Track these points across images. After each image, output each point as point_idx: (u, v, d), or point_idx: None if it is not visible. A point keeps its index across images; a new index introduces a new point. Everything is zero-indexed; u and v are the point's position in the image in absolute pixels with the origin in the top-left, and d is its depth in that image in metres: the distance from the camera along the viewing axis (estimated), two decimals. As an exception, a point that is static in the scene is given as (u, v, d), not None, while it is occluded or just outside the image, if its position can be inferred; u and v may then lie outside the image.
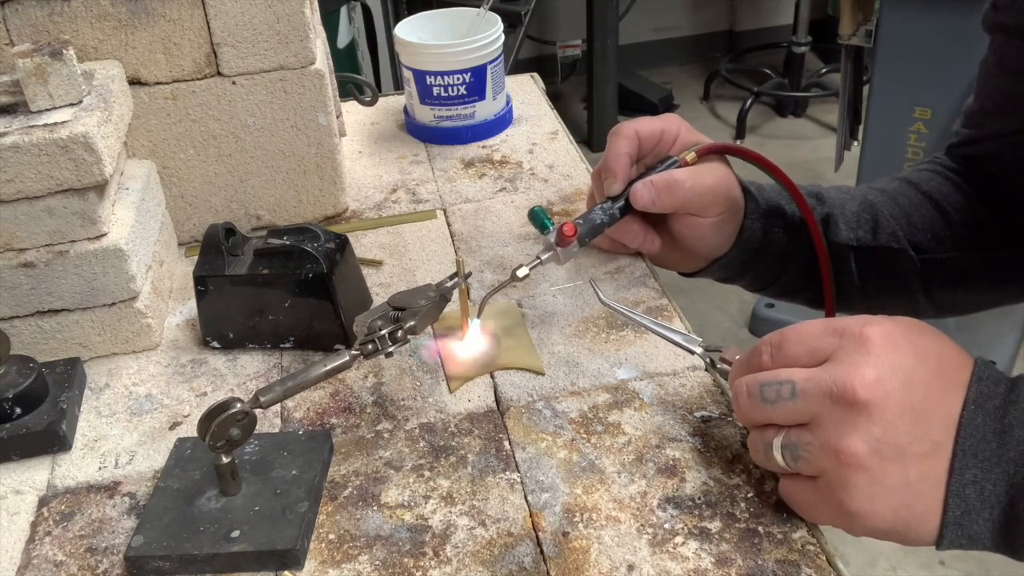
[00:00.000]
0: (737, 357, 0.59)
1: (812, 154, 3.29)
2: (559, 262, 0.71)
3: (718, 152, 0.75)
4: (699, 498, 0.57)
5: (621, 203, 0.73)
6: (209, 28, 0.79)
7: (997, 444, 0.50)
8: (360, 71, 2.52)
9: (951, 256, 0.78)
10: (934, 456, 0.50)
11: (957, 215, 0.79)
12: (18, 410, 0.64)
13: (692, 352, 0.63)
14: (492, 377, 0.69)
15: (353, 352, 0.60)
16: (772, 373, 0.53)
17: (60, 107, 0.68)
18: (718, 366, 0.61)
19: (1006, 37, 0.75)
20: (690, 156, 0.73)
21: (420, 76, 1.01)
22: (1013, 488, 0.49)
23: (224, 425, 0.55)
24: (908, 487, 0.50)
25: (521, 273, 0.68)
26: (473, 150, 1.02)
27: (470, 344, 0.71)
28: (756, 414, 0.54)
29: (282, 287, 0.70)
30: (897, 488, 0.50)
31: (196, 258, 0.72)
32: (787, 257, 0.79)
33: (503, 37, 1.03)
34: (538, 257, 0.69)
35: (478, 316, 0.70)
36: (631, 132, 0.74)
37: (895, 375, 0.50)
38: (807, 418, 0.51)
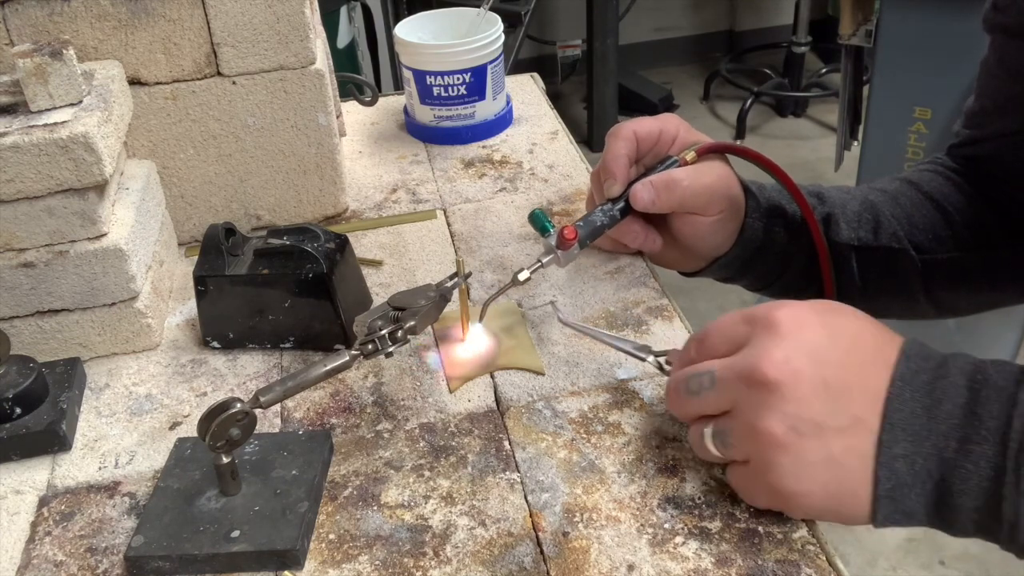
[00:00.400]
0: None
1: (812, 154, 3.29)
2: (560, 265, 0.71)
3: (718, 151, 0.75)
4: (699, 498, 0.57)
5: (621, 204, 0.73)
6: (209, 28, 0.79)
7: (927, 419, 0.50)
8: (360, 71, 2.52)
9: (952, 256, 0.78)
10: (856, 431, 0.51)
11: (958, 215, 0.79)
12: (18, 410, 0.64)
13: (643, 360, 0.65)
14: (492, 377, 0.69)
15: (353, 352, 0.60)
16: (695, 366, 0.55)
17: (60, 107, 0.68)
18: (666, 369, 0.63)
19: (1006, 37, 0.75)
20: (689, 156, 0.73)
21: (420, 76, 1.01)
22: (944, 463, 0.50)
23: (224, 425, 0.55)
24: (833, 462, 0.51)
25: (522, 277, 0.68)
26: (473, 150, 1.02)
27: (470, 344, 0.71)
28: (685, 407, 0.56)
29: (282, 287, 0.70)
30: (821, 464, 0.51)
31: (196, 258, 0.72)
32: (788, 256, 0.79)
33: (503, 37, 1.03)
34: (539, 260, 0.69)
35: (480, 320, 0.70)
36: (629, 133, 0.74)
37: (804, 353, 0.51)
38: (728, 405, 0.53)
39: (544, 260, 0.70)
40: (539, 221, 0.73)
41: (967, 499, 0.49)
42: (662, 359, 0.64)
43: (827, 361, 0.51)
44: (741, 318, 0.55)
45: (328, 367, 0.59)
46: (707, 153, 0.74)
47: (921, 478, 0.50)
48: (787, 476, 0.51)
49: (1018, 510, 0.48)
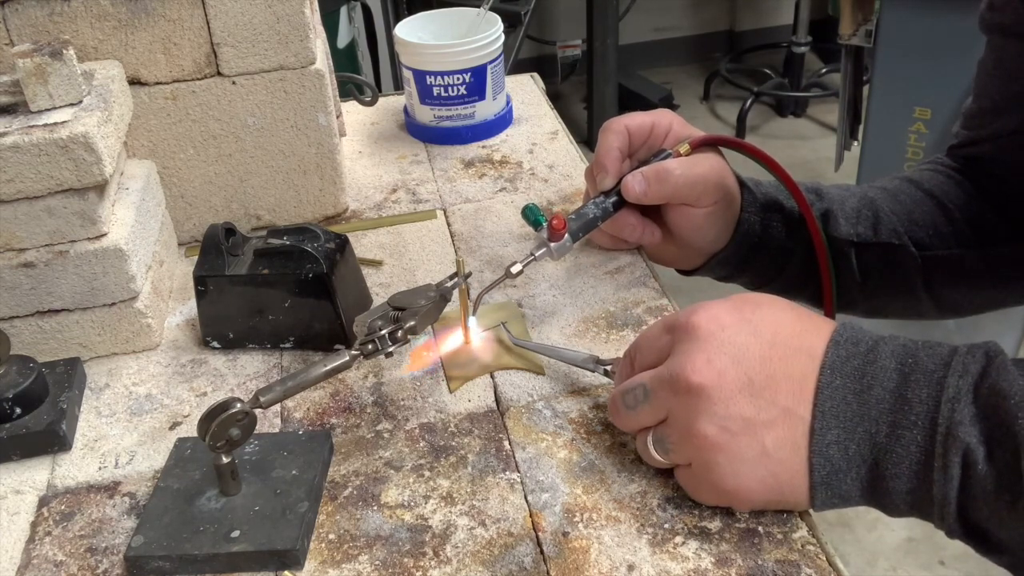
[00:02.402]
0: None
1: (812, 154, 3.29)
2: (553, 258, 0.71)
3: (712, 144, 0.75)
4: (699, 498, 0.57)
5: (614, 197, 0.73)
6: (209, 28, 0.78)
7: (857, 404, 0.51)
8: (360, 71, 2.53)
9: (953, 253, 0.78)
10: (786, 421, 0.52)
11: (958, 212, 0.79)
12: (18, 410, 0.64)
13: (592, 371, 0.66)
14: (492, 377, 0.69)
15: (353, 352, 0.60)
16: (628, 381, 0.57)
17: (60, 107, 0.68)
18: (611, 376, 0.65)
19: (1003, 37, 0.75)
20: (683, 149, 0.73)
21: (420, 76, 1.01)
22: (876, 447, 0.51)
23: (224, 425, 0.55)
24: (766, 456, 0.52)
25: (515, 269, 0.68)
26: (473, 150, 1.02)
27: (470, 344, 0.71)
28: (626, 421, 0.58)
29: (282, 287, 0.70)
30: (756, 459, 0.52)
31: (196, 258, 0.72)
32: (787, 253, 0.78)
33: (503, 37, 1.03)
34: (532, 253, 0.70)
35: (473, 313, 0.70)
36: (621, 127, 0.74)
37: (725, 353, 0.52)
38: (664, 414, 0.55)
39: (537, 253, 0.70)
40: (531, 215, 0.73)
41: (899, 482, 0.50)
42: (608, 367, 0.65)
43: (749, 357, 0.52)
44: (663, 327, 0.56)
45: (328, 367, 0.59)
46: (701, 146, 0.74)
47: (855, 463, 0.51)
48: (726, 474, 0.52)
49: (946, 493, 0.49)
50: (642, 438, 0.57)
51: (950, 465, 0.48)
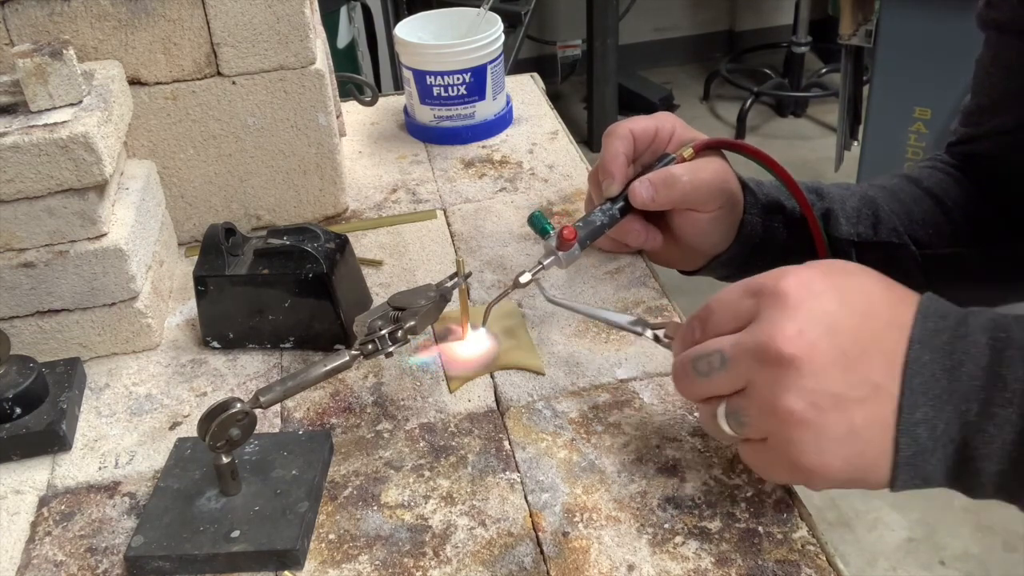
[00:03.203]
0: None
1: (812, 154, 3.29)
2: (561, 266, 0.71)
3: (714, 147, 0.75)
4: (699, 498, 0.57)
5: (620, 203, 0.73)
6: (209, 28, 0.79)
7: (947, 381, 0.49)
8: (360, 71, 2.53)
9: (953, 251, 0.78)
10: (876, 399, 0.49)
11: (958, 210, 0.79)
12: (18, 410, 0.64)
13: (640, 334, 0.62)
14: (492, 377, 0.69)
15: (353, 352, 0.60)
16: (702, 346, 0.53)
17: (60, 107, 0.68)
18: (664, 342, 0.61)
19: (1000, 34, 0.75)
20: (687, 152, 0.73)
21: (420, 76, 1.01)
22: (965, 426, 0.48)
23: (224, 425, 0.55)
24: (855, 434, 0.49)
25: (524, 279, 0.68)
26: (473, 150, 1.02)
27: (470, 344, 0.71)
28: (695, 389, 0.54)
29: (282, 287, 0.70)
30: (844, 437, 0.49)
31: (196, 258, 0.72)
32: (788, 253, 0.78)
33: (503, 37, 1.03)
34: (540, 262, 0.69)
35: (483, 324, 0.70)
36: (626, 132, 0.74)
37: (817, 324, 0.49)
38: (742, 383, 0.51)
39: (545, 262, 0.69)
40: (539, 223, 0.73)
41: (989, 463, 0.48)
42: (660, 332, 0.61)
43: (842, 329, 0.49)
44: (745, 290, 0.52)
45: (328, 367, 0.59)
46: (704, 150, 0.74)
47: (942, 442, 0.49)
48: (809, 452, 0.49)
49: None
50: (709, 408, 0.53)
51: None
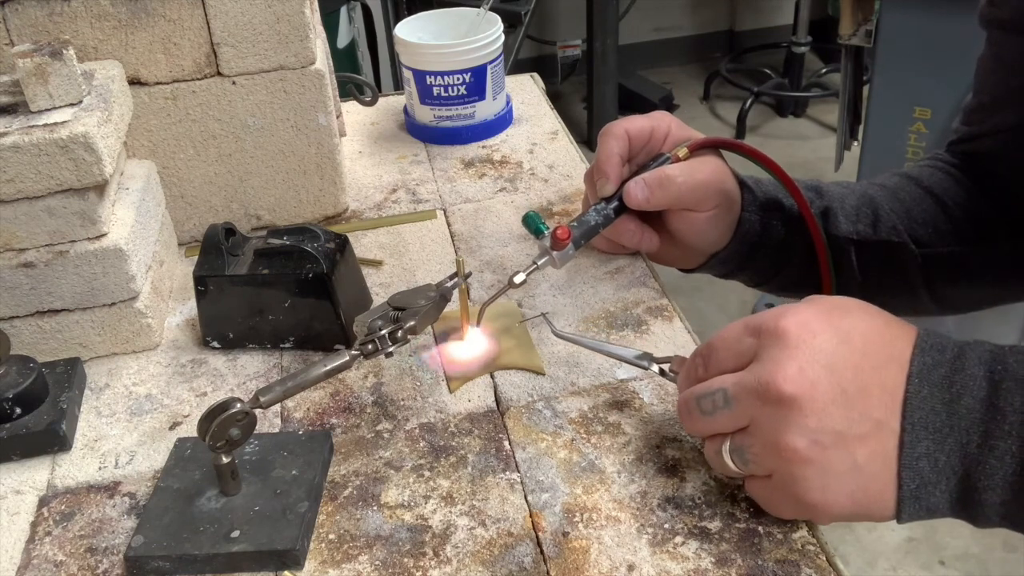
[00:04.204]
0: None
1: (812, 154, 3.29)
2: (556, 266, 0.71)
3: (710, 147, 0.75)
4: (699, 498, 0.57)
5: (615, 203, 0.73)
6: (209, 28, 0.79)
7: (947, 415, 0.50)
8: (360, 71, 2.53)
9: (952, 250, 0.78)
10: (878, 435, 0.50)
11: (958, 209, 0.79)
12: (18, 410, 0.64)
13: (645, 368, 0.63)
14: (492, 377, 0.69)
15: (353, 352, 0.60)
16: (705, 385, 0.54)
17: (60, 107, 0.68)
18: (670, 376, 0.62)
19: (1002, 32, 0.75)
20: (682, 152, 0.73)
21: (420, 76, 1.01)
22: (967, 458, 0.49)
23: (224, 425, 0.55)
24: (858, 470, 0.50)
25: (518, 279, 0.68)
26: (473, 150, 1.02)
27: (470, 344, 0.71)
28: (700, 426, 0.55)
29: (282, 287, 0.70)
30: (847, 473, 0.50)
31: (196, 258, 0.72)
32: (787, 251, 0.78)
33: (503, 37, 1.03)
34: (534, 262, 0.69)
35: (477, 324, 0.70)
36: (621, 132, 0.74)
37: (817, 362, 0.50)
38: (745, 421, 0.52)
39: (539, 262, 0.69)
40: (533, 223, 0.73)
41: (992, 494, 0.49)
42: (665, 366, 0.62)
43: (842, 367, 0.50)
44: (746, 329, 0.53)
45: (328, 367, 0.59)
46: (699, 149, 0.74)
47: (945, 474, 0.50)
48: (813, 489, 0.50)
49: None
50: (715, 445, 0.54)
51: None
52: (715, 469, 0.57)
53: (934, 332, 0.53)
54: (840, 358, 0.50)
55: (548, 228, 0.72)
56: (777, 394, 0.50)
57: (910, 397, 0.50)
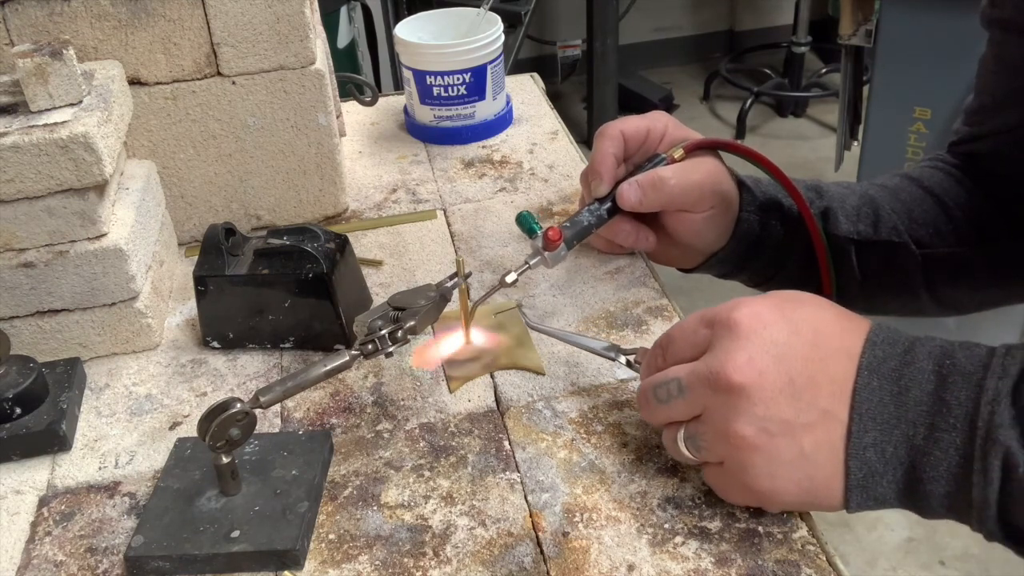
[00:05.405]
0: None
1: (812, 154, 3.29)
2: (548, 266, 0.70)
3: (706, 147, 0.75)
4: (699, 498, 0.57)
5: (608, 204, 0.73)
6: (209, 28, 0.79)
7: (895, 406, 0.51)
8: (360, 71, 2.52)
9: (953, 251, 0.78)
10: (825, 424, 0.51)
11: (959, 210, 0.79)
12: (18, 410, 0.64)
13: (613, 359, 0.65)
14: (492, 377, 0.69)
15: (353, 352, 0.60)
16: (662, 374, 0.56)
17: (60, 107, 0.68)
18: (635, 368, 0.64)
19: (1004, 32, 0.75)
20: (678, 153, 0.73)
21: (420, 76, 1.01)
22: (913, 449, 0.50)
23: (224, 425, 0.55)
24: (804, 458, 0.51)
25: (509, 279, 0.68)
26: (473, 150, 1.02)
27: (470, 344, 0.71)
28: (656, 415, 0.56)
29: (282, 287, 0.70)
30: (794, 461, 0.51)
31: (196, 258, 0.72)
32: (786, 250, 0.78)
33: (503, 37, 1.03)
34: (526, 262, 0.69)
35: (469, 324, 0.70)
36: (616, 132, 0.74)
37: (767, 353, 0.51)
38: (699, 410, 0.54)
39: (531, 262, 0.69)
40: (526, 223, 0.73)
41: (937, 485, 0.50)
42: (631, 357, 0.64)
43: (791, 357, 0.51)
44: (701, 321, 0.55)
45: (328, 367, 0.59)
46: (695, 150, 0.74)
47: (892, 465, 0.51)
48: (761, 476, 0.52)
49: (986, 496, 0.48)
50: (671, 433, 0.56)
51: (990, 468, 0.48)
52: (672, 456, 0.58)
53: (886, 326, 0.54)
54: (790, 349, 0.52)
55: (541, 228, 0.72)
56: (727, 383, 0.51)
57: (859, 389, 0.51)
